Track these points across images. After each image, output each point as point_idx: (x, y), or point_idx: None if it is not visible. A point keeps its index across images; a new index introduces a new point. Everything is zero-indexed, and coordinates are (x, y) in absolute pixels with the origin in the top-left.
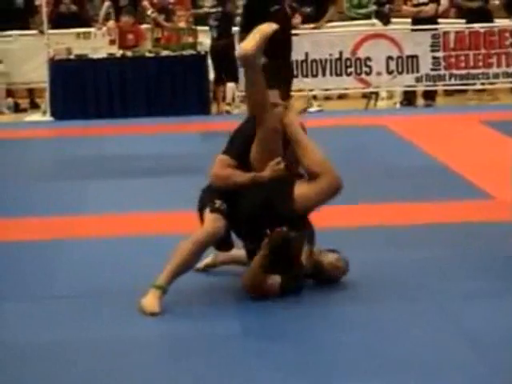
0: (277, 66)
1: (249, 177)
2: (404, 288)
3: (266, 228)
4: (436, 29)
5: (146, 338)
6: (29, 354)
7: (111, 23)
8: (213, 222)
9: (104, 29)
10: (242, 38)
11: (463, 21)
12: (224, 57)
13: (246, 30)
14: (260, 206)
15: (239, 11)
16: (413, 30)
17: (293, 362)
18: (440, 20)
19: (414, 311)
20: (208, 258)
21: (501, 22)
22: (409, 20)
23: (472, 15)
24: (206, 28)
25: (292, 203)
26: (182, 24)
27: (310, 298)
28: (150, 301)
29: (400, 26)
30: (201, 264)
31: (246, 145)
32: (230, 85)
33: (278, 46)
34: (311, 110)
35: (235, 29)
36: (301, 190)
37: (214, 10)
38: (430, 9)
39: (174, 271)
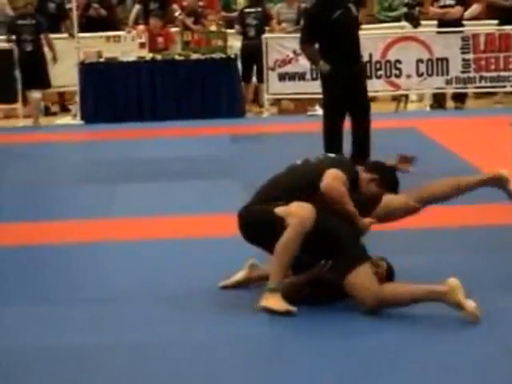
0: None
1: (353, 211)
2: None
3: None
4: (462, 31)
5: (172, 343)
6: (53, 358)
7: (141, 27)
8: (300, 207)
9: (134, 32)
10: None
11: (492, 22)
12: (257, 56)
13: (308, 41)
14: (337, 232)
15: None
16: (438, 33)
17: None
18: (467, 22)
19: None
20: (238, 274)
21: None
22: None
23: (505, 14)
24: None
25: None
26: (212, 27)
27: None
28: (277, 303)
29: (430, 28)
30: (230, 281)
31: (352, 182)
32: (262, 86)
33: None
34: None
35: None
36: None
37: (253, 9)
38: (456, 11)
39: (280, 268)
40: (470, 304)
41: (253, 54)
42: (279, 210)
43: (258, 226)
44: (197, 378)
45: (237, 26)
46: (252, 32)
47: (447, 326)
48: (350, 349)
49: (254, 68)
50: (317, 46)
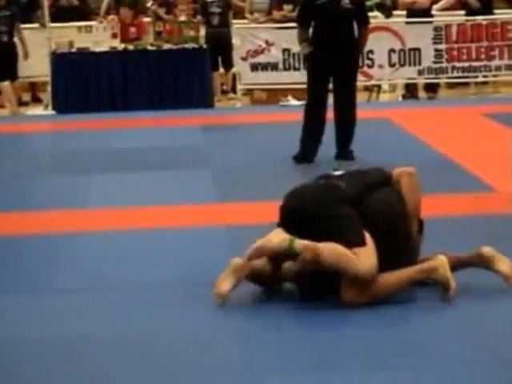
0: None
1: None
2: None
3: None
4: (432, 22)
5: (151, 332)
6: (34, 349)
7: (111, 17)
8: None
9: (105, 22)
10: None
11: (461, 12)
12: (223, 45)
13: (300, 22)
14: None
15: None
16: (408, 23)
17: None
18: (436, 12)
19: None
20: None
21: (502, 14)
22: None
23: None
24: None
25: None
26: (183, 17)
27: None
28: None
29: (402, 18)
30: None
31: None
32: (229, 74)
33: None
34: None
35: None
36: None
37: None
38: (425, 1)
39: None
40: (454, 284)
41: (218, 42)
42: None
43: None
44: (181, 368)
45: (199, 16)
46: (215, 20)
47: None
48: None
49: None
50: None
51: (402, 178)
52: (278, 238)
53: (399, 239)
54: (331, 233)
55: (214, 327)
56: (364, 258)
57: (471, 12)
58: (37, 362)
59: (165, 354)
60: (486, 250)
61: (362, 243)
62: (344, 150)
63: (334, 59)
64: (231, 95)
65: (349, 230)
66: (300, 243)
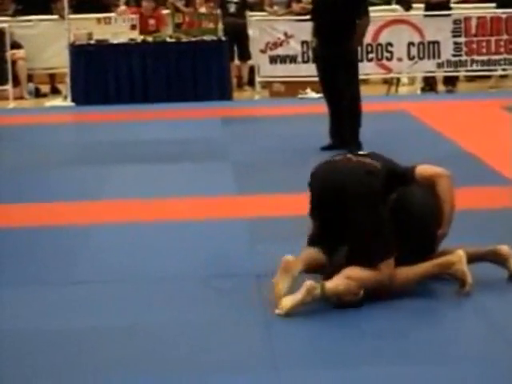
0: None
1: None
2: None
3: None
4: (450, 15)
5: (168, 324)
6: (48, 341)
7: (123, 8)
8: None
9: (117, 14)
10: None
11: (482, 5)
12: (240, 35)
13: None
14: None
15: None
16: (426, 16)
17: None
18: (456, 5)
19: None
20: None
21: None
22: None
23: None
24: None
25: None
26: (202, 9)
27: None
28: None
29: (421, 11)
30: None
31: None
32: (245, 65)
33: None
34: None
35: None
36: None
37: None
38: None
39: None
40: (470, 279)
41: (235, 32)
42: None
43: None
44: (196, 361)
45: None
46: (232, 8)
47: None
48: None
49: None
50: None
51: (441, 178)
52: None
53: (425, 238)
54: (361, 238)
55: (232, 320)
56: (385, 269)
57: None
58: (50, 352)
59: (181, 346)
60: (504, 248)
61: (387, 256)
62: (342, 141)
63: (328, 52)
64: (247, 87)
65: (377, 240)
66: (330, 289)
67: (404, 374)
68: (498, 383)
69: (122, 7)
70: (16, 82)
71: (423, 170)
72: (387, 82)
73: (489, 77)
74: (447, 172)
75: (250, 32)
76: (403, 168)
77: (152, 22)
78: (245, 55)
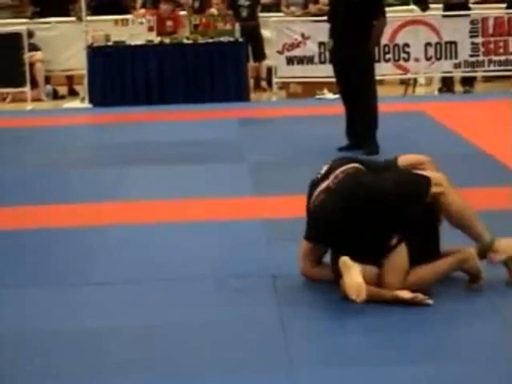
0: None
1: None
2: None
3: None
4: (469, 15)
5: (184, 325)
6: (65, 342)
7: (141, 11)
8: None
9: (134, 16)
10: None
11: (501, 5)
12: (253, 37)
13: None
14: None
15: None
16: (445, 16)
17: None
18: (473, 6)
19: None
20: None
21: None
22: None
23: None
24: None
25: None
26: (213, 10)
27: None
28: None
29: (438, 12)
30: None
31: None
32: (263, 63)
33: None
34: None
35: None
36: None
37: None
38: None
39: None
40: (483, 274)
41: (248, 34)
42: None
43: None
44: (208, 361)
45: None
46: (244, 13)
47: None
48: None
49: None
50: None
51: (423, 165)
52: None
53: (433, 240)
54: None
55: (248, 320)
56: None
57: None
58: (66, 353)
59: (197, 347)
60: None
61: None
62: (356, 143)
63: (345, 53)
64: (264, 85)
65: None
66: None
67: (423, 373)
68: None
69: (141, 10)
70: (34, 84)
71: (405, 159)
72: (404, 82)
73: (506, 77)
74: (428, 157)
75: (265, 32)
76: (385, 162)
77: (169, 23)
78: (259, 55)
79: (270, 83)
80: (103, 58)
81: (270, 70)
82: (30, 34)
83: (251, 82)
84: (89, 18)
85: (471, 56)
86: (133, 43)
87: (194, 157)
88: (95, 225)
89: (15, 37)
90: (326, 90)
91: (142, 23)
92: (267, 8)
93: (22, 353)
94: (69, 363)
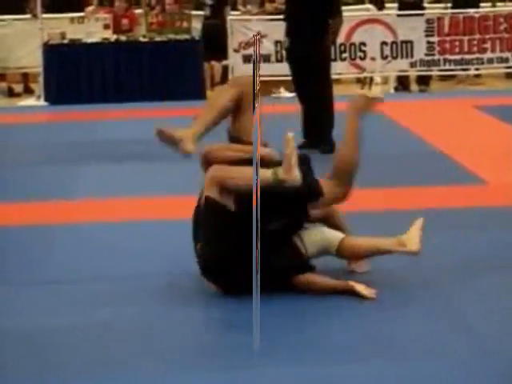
0: None
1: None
2: (401, 273)
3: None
4: (423, 14)
5: (120, 324)
6: (11, 341)
7: (91, 8)
8: None
9: (98, 14)
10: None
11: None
12: (214, 37)
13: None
14: None
15: None
16: (400, 16)
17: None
18: (428, 5)
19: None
20: None
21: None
22: None
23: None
24: (200, 13)
25: None
26: (172, 8)
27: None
28: None
29: (394, 11)
30: None
31: None
32: (218, 65)
33: None
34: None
35: None
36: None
37: None
38: None
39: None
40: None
41: (210, 34)
42: None
43: None
44: (148, 356)
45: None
46: (208, 11)
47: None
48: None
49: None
50: None
51: None
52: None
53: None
54: None
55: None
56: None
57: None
58: (8, 353)
59: (136, 343)
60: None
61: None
62: (312, 141)
63: (301, 52)
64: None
65: None
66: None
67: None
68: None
69: (91, 7)
70: None
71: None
72: (360, 81)
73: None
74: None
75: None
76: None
77: (125, 21)
78: (221, 56)
79: (225, 82)
80: (59, 55)
81: (226, 69)
82: None
83: (207, 80)
84: (44, 15)
85: (427, 55)
86: (89, 41)
87: (149, 155)
88: (49, 223)
89: None
90: (282, 89)
91: (97, 21)
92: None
93: None
94: (15, 361)
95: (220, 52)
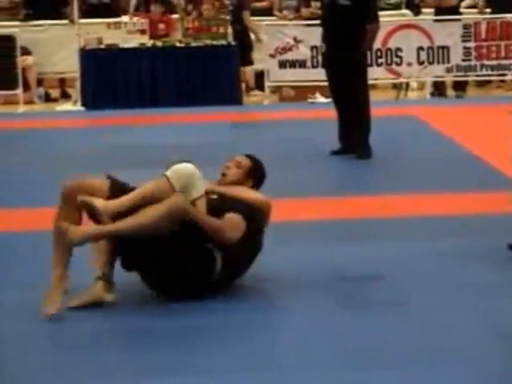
0: None
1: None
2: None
3: None
4: (460, 20)
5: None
6: None
7: (128, 16)
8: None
9: (135, 19)
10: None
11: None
12: (240, 41)
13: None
14: None
15: None
16: (436, 21)
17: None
18: (464, 10)
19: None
20: None
21: None
22: None
23: (501, 4)
24: None
25: None
26: (208, 13)
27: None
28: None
29: (431, 16)
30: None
31: None
32: (249, 69)
33: None
34: None
35: None
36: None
37: None
38: None
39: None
40: None
41: (238, 38)
42: None
43: None
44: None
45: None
46: (230, 17)
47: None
48: None
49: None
50: None
51: None
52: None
53: None
54: None
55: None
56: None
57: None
58: None
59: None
60: None
61: None
62: (349, 147)
63: (337, 57)
64: (254, 92)
65: None
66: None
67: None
68: None
69: (128, 15)
70: (26, 87)
71: None
72: (396, 86)
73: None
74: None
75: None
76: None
77: (161, 26)
78: (245, 61)
79: (261, 87)
80: (96, 60)
81: (261, 74)
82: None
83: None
84: (81, 20)
85: (463, 60)
86: (125, 46)
87: (185, 160)
88: None
89: (8, 39)
90: (318, 94)
91: (134, 26)
92: (260, 12)
93: None
94: None
95: (245, 58)
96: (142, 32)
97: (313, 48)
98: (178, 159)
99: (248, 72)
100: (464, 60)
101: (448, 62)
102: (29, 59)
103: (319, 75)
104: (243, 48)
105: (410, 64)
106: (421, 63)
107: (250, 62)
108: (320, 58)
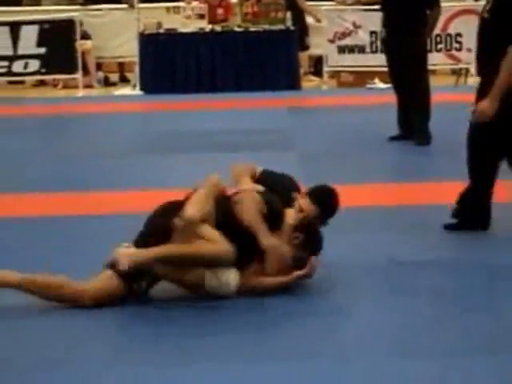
0: None
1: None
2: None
3: None
4: None
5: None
6: None
7: (187, 1)
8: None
9: (194, 3)
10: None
11: None
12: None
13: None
14: None
15: None
16: None
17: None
18: None
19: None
20: None
21: None
22: None
23: None
24: None
25: None
26: None
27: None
28: None
29: None
30: None
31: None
32: (303, 54)
33: None
34: None
35: None
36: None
37: None
38: None
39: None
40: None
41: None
42: None
43: None
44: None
45: None
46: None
47: None
48: None
49: None
50: None
51: None
52: None
53: None
54: None
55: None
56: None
57: None
58: None
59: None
60: None
61: None
62: (408, 133)
63: (397, 42)
64: (310, 77)
65: None
66: None
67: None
68: None
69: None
70: (85, 71)
71: None
72: (456, 72)
73: None
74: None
75: (311, 20)
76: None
77: (220, 11)
78: (302, 46)
79: (318, 72)
80: (155, 45)
81: (320, 59)
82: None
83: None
84: (140, 5)
85: None
86: (184, 31)
87: (243, 145)
88: (145, 212)
89: (68, 24)
90: (377, 80)
91: (193, 10)
92: None
93: None
94: None
95: (300, 43)
96: (201, 17)
97: (372, 33)
98: None
99: (302, 57)
100: None
101: None
102: (88, 43)
103: (378, 61)
104: (299, 33)
105: (469, 50)
106: None
107: (305, 47)
108: (379, 43)
